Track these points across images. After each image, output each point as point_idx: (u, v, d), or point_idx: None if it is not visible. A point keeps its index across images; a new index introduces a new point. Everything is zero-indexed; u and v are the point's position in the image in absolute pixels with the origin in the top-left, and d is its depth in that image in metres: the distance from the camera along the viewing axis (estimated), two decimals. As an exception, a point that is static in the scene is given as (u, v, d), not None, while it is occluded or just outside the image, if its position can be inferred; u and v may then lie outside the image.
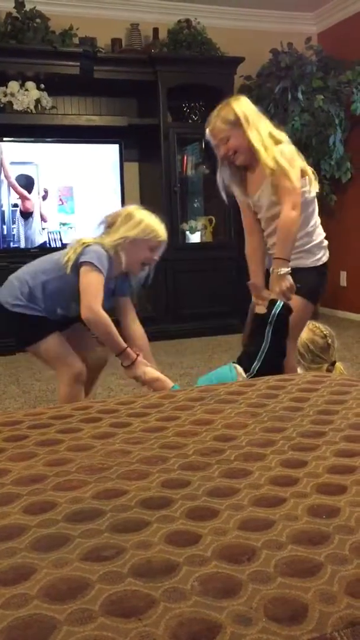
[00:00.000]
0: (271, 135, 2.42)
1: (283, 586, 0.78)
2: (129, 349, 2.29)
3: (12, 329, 2.40)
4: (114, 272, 2.32)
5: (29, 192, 4.81)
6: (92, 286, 2.18)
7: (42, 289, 2.31)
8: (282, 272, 2.34)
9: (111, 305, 2.42)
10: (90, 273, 2.19)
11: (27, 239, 4.83)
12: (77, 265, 2.25)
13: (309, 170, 2.47)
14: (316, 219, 2.55)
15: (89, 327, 2.26)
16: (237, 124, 2.39)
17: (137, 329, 2.49)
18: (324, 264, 2.56)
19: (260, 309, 2.45)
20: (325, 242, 2.60)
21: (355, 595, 0.76)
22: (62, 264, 2.29)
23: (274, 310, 2.31)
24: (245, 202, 2.61)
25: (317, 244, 2.55)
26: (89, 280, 2.19)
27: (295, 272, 2.40)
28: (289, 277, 2.35)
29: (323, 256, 2.56)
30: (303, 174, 2.41)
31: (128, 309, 2.49)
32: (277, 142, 2.42)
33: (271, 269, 2.39)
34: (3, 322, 2.39)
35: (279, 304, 2.33)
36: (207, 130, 2.49)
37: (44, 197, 4.86)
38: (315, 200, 2.54)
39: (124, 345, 2.28)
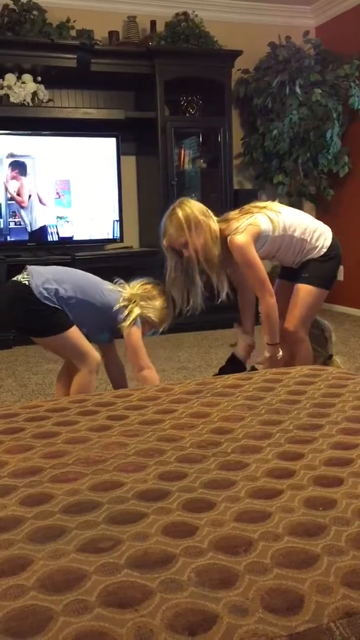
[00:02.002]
0: (224, 227, 2.57)
1: (279, 577, 0.78)
2: None
3: (31, 318, 2.42)
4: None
5: (24, 175, 4.78)
6: (141, 348, 2.48)
7: (75, 305, 2.42)
8: (278, 357, 2.60)
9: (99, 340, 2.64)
10: (138, 335, 2.48)
11: (24, 232, 4.82)
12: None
13: (273, 218, 2.59)
14: (296, 231, 2.62)
15: (143, 382, 2.48)
16: (189, 228, 2.53)
17: (119, 371, 2.75)
18: (328, 250, 2.66)
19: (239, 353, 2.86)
20: (319, 230, 2.67)
21: (352, 586, 0.76)
22: (106, 302, 2.47)
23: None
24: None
25: (312, 239, 2.64)
26: (138, 342, 2.48)
27: (304, 264, 2.66)
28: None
29: (325, 242, 2.66)
30: (259, 233, 2.55)
31: (114, 352, 2.72)
32: (230, 231, 2.55)
33: (266, 354, 2.62)
34: (20, 310, 2.44)
35: None
36: (165, 241, 2.61)
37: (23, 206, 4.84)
38: (287, 222, 2.62)
39: None
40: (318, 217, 3.00)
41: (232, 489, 1.03)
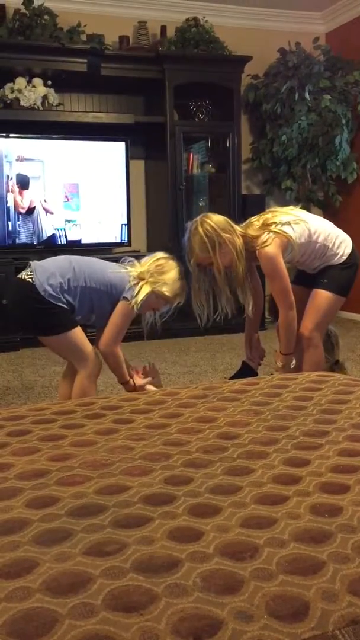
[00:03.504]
0: (249, 239, 2.57)
1: (285, 584, 0.78)
2: (130, 380, 2.58)
3: (35, 316, 2.43)
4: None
5: (26, 188, 4.80)
6: (123, 326, 2.48)
7: (82, 292, 2.42)
8: (292, 366, 2.64)
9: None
10: (129, 314, 2.46)
11: (32, 235, 4.84)
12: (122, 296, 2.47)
13: (299, 226, 2.58)
14: (320, 237, 2.63)
15: (104, 356, 2.50)
16: (213, 248, 2.52)
17: None
18: (348, 257, 2.67)
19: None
20: (341, 238, 2.68)
21: (357, 594, 0.76)
22: (112, 284, 2.45)
23: None
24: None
25: (333, 246, 2.65)
26: (125, 319, 2.47)
27: (323, 270, 2.68)
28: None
29: (346, 250, 2.66)
30: (286, 237, 2.54)
31: None
32: (257, 236, 2.55)
33: (279, 363, 2.67)
34: (25, 308, 2.44)
35: None
36: (192, 260, 2.61)
37: (31, 210, 4.85)
38: (312, 229, 2.62)
39: (127, 377, 2.57)
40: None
41: (238, 495, 1.03)
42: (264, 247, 2.52)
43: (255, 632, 0.69)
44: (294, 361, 2.63)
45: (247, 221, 2.67)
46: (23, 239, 4.84)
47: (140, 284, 2.45)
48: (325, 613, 0.72)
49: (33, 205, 4.83)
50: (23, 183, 4.80)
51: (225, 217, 2.60)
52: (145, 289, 2.45)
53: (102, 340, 2.47)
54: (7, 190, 4.74)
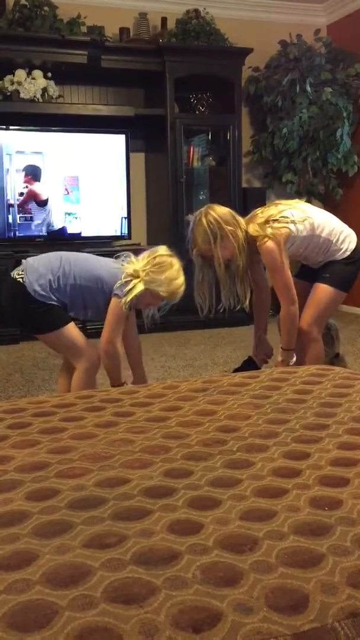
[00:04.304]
0: (251, 231, 2.56)
1: (284, 576, 0.78)
2: (124, 384, 2.49)
3: (28, 315, 2.44)
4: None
5: (37, 180, 4.81)
6: (117, 324, 2.41)
7: (73, 290, 2.41)
8: (291, 363, 2.62)
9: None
10: (121, 311, 2.40)
11: (42, 227, 4.84)
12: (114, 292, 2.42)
13: (302, 221, 2.57)
14: (324, 231, 2.62)
15: (103, 355, 2.45)
16: (215, 240, 2.52)
17: (134, 337, 2.68)
18: (352, 253, 2.66)
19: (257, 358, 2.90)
20: (346, 233, 2.68)
21: (357, 587, 0.76)
22: (105, 282, 2.41)
23: None
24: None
25: (337, 241, 2.64)
26: (117, 317, 2.40)
27: (326, 265, 2.67)
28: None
29: (350, 245, 2.66)
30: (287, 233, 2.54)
31: (132, 320, 2.65)
32: (259, 230, 2.55)
33: (280, 358, 2.67)
34: (18, 308, 2.45)
35: None
36: (195, 251, 2.61)
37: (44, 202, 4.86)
38: (316, 223, 2.61)
39: (121, 381, 2.51)
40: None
41: (237, 487, 1.03)
42: (265, 242, 2.52)
43: (254, 624, 0.69)
44: (294, 357, 2.63)
45: (252, 213, 2.66)
46: (23, 232, 4.83)
47: (134, 281, 2.37)
48: (325, 605, 0.72)
49: (46, 197, 4.83)
50: (34, 174, 4.79)
51: (230, 210, 2.60)
52: (139, 287, 2.37)
53: (100, 340, 2.43)
54: (7, 183, 4.73)
